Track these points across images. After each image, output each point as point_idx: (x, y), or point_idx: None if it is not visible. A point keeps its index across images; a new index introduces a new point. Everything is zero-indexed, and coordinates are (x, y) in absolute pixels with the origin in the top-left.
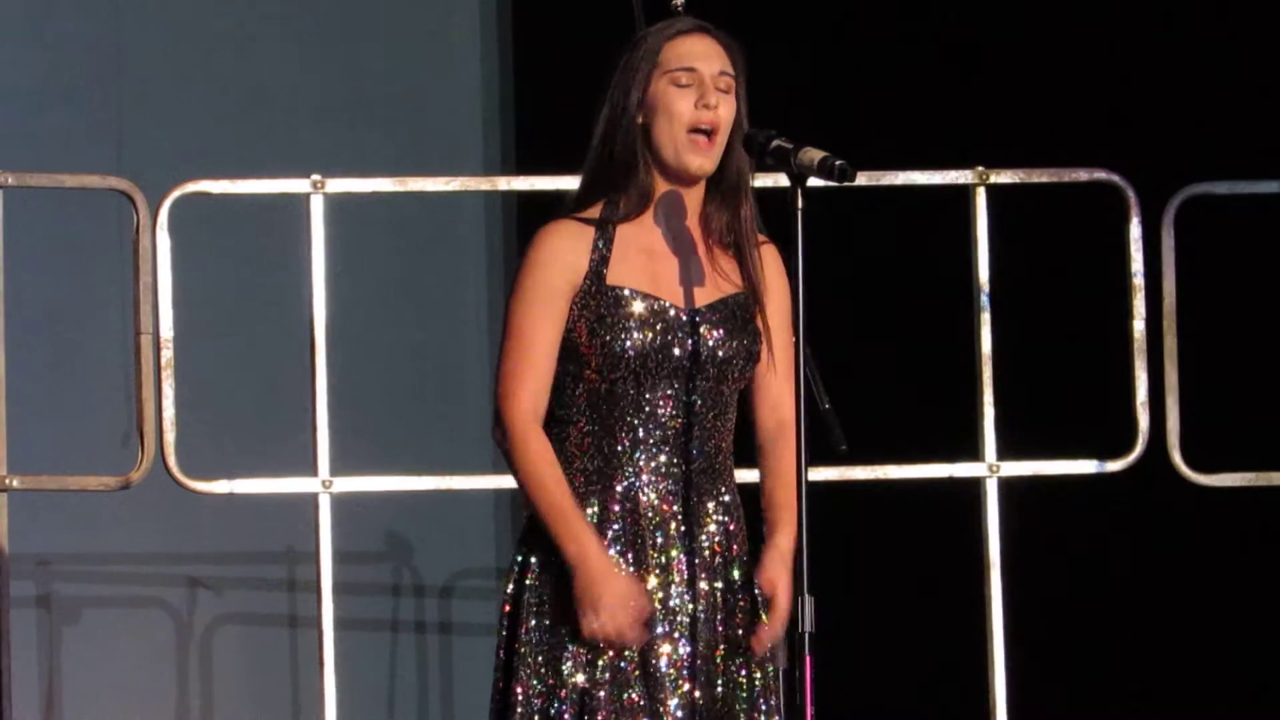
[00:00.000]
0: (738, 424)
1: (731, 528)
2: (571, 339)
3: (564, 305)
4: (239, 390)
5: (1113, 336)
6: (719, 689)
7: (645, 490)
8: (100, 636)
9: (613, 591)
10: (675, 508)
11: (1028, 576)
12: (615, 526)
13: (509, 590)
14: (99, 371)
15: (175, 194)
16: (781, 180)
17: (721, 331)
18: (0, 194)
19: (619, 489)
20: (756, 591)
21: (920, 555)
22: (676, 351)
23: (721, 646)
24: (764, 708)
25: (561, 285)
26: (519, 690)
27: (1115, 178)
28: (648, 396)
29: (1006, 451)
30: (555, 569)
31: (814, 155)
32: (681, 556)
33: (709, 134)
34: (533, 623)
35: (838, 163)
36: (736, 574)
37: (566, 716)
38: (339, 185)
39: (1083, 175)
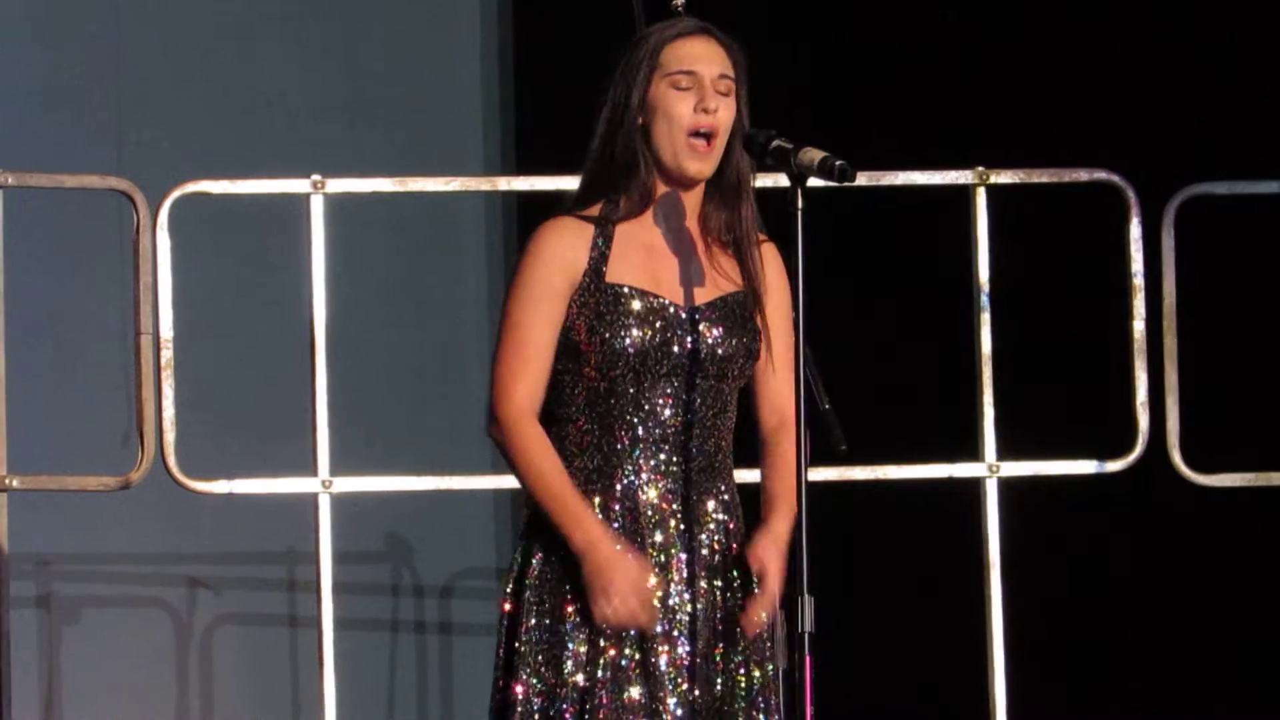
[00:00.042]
0: (738, 423)
1: (731, 526)
2: (571, 337)
3: (562, 302)
4: (239, 390)
5: (1113, 336)
6: (718, 688)
7: (645, 489)
8: (100, 636)
9: (623, 576)
10: (675, 506)
11: (1028, 576)
12: (615, 525)
13: (509, 589)
14: (99, 371)
15: (175, 194)
16: (781, 180)
17: (721, 329)
18: (0, 194)
19: (618, 487)
20: (757, 590)
21: (920, 555)
22: (676, 349)
23: (721, 645)
24: (763, 706)
25: (560, 282)
26: (519, 689)
27: (1115, 178)
28: (647, 395)
29: (1006, 451)
30: (556, 568)
31: (814, 155)
32: (681, 555)
33: (708, 138)
34: (533, 622)
35: (838, 163)
36: (736, 573)
37: (567, 716)
38: (339, 185)
39: (1083, 175)
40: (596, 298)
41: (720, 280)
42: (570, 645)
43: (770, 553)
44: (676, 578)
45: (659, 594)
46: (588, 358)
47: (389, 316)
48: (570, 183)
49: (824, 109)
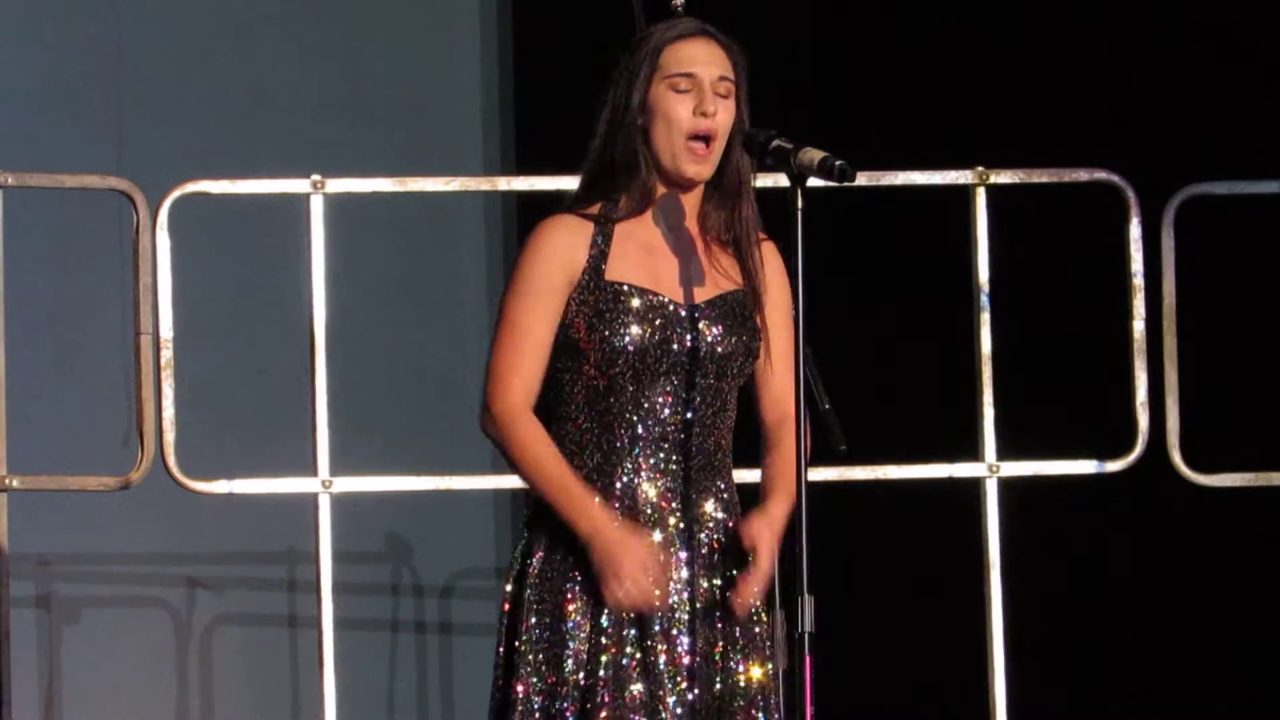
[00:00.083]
0: (737, 423)
1: (730, 525)
2: (570, 335)
3: (560, 300)
4: (239, 390)
5: (1113, 336)
6: (718, 686)
7: (644, 487)
8: (100, 636)
9: (631, 558)
10: (674, 505)
11: (1028, 576)
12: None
13: (509, 588)
14: (99, 371)
15: (175, 194)
16: (781, 180)
17: (720, 328)
18: (0, 194)
19: (618, 486)
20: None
21: (920, 555)
22: (675, 347)
23: (721, 645)
24: (763, 706)
25: (558, 279)
26: (520, 688)
27: (1115, 178)
28: (646, 393)
29: (1006, 451)
30: (556, 566)
31: (814, 155)
32: (680, 554)
33: (706, 140)
34: (533, 620)
35: (838, 163)
36: (735, 572)
37: (568, 715)
38: (339, 185)
39: (1083, 175)
40: (596, 295)
41: (720, 279)
42: (571, 644)
43: (764, 532)
44: (675, 576)
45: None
46: (587, 355)
47: (389, 316)
48: (570, 183)
49: (824, 109)
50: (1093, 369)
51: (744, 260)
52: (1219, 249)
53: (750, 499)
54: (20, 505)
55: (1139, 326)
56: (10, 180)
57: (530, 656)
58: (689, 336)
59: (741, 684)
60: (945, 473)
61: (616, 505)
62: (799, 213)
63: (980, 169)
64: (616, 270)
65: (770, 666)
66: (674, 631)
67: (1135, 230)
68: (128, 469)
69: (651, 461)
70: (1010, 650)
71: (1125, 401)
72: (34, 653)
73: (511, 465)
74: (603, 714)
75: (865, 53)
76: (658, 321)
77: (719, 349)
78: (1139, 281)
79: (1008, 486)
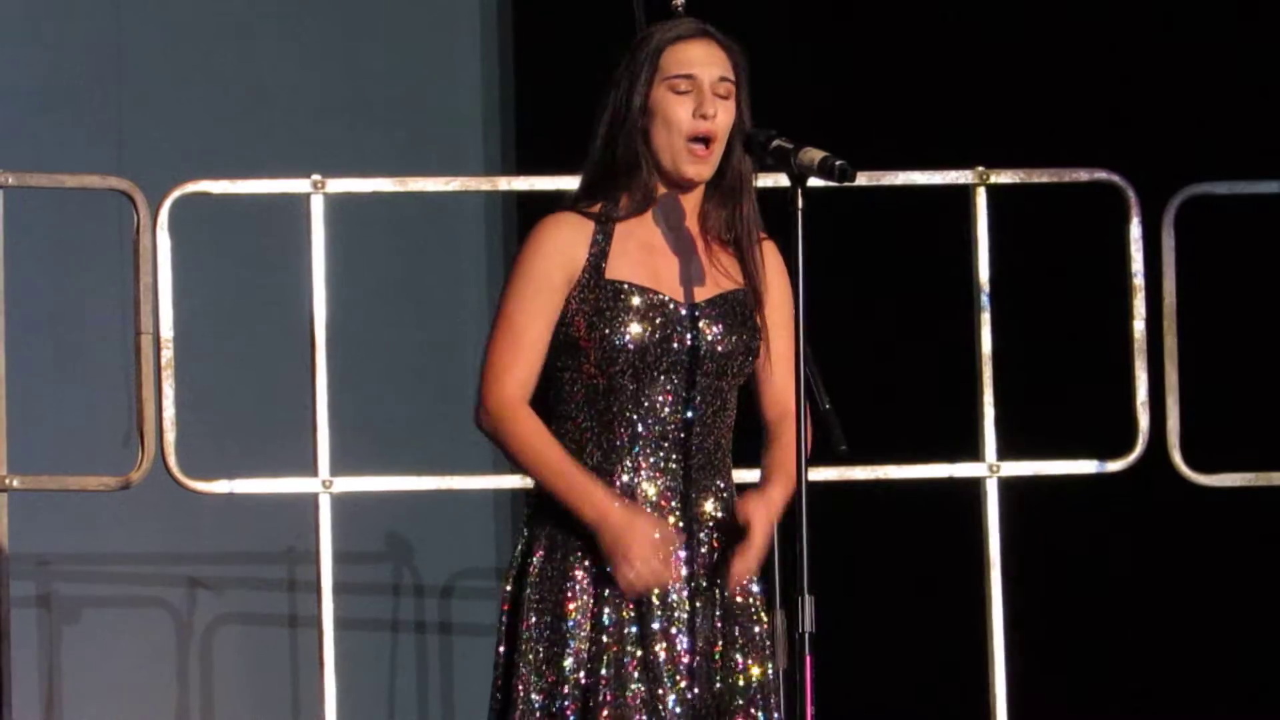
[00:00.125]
0: (737, 423)
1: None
2: (570, 333)
3: (559, 297)
4: (239, 390)
5: (1113, 336)
6: (717, 685)
7: (644, 486)
8: (100, 636)
9: (639, 539)
10: (674, 504)
11: (1028, 576)
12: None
13: (509, 587)
14: (99, 371)
15: (175, 194)
16: (782, 180)
17: (721, 327)
18: (0, 194)
19: (617, 485)
20: (757, 589)
21: (920, 555)
22: (675, 345)
23: (721, 644)
24: (763, 705)
25: (557, 277)
26: (520, 687)
27: (1115, 178)
28: (646, 392)
29: (1006, 451)
30: (556, 565)
31: (814, 155)
32: (680, 553)
33: (706, 142)
34: (533, 619)
35: (838, 163)
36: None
37: (569, 714)
38: (339, 185)
39: (1083, 175)
40: (596, 294)
41: (720, 278)
42: (571, 643)
43: (759, 511)
44: (675, 575)
45: (656, 591)
46: (587, 354)
47: (389, 316)
48: (570, 183)
49: (824, 109)
50: (1093, 369)
51: (744, 260)
52: (1219, 249)
53: None
54: (20, 505)
55: (1139, 326)
56: (10, 180)
57: (530, 656)
58: (689, 335)
59: (741, 683)
60: (945, 473)
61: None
62: (799, 213)
63: (980, 169)
64: (617, 269)
65: (770, 665)
66: (674, 630)
67: (1135, 230)
68: (128, 469)
69: (651, 460)
70: (1010, 650)
71: (1125, 401)
72: (34, 653)
73: (510, 459)
74: (604, 712)
75: (865, 53)
76: (658, 320)
77: (719, 348)
78: (1139, 281)
79: (1008, 486)
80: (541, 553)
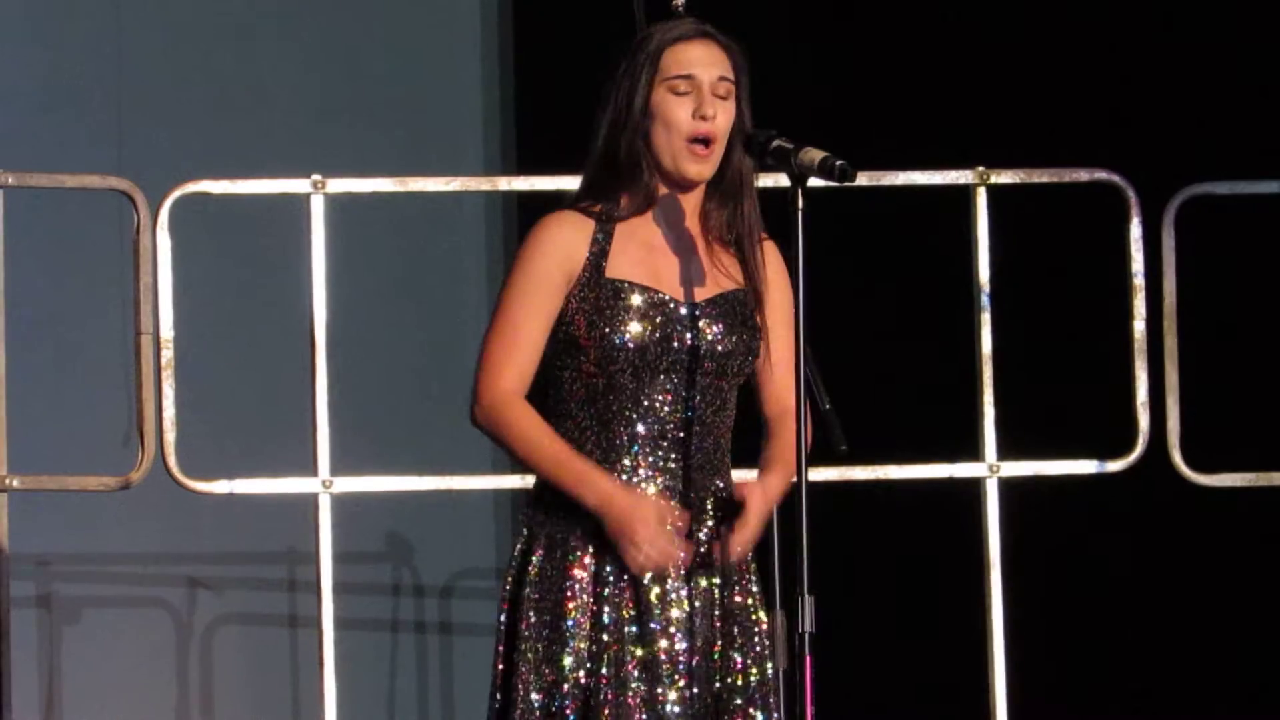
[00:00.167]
0: (737, 422)
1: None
2: (570, 332)
3: (558, 295)
4: (239, 390)
5: (1113, 336)
6: (716, 685)
7: (643, 485)
8: (100, 636)
9: (644, 521)
10: (673, 503)
11: (1028, 576)
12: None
13: (508, 587)
14: (99, 371)
15: (175, 194)
16: (782, 180)
17: (721, 326)
18: (0, 194)
19: None
20: (755, 588)
21: (920, 555)
22: (675, 345)
23: (720, 643)
24: (762, 705)
25: (557, 275)
26: (520, 686)
27: (1115, 178)
28: (646, 391)
29: (1006, 451)
30: (555, 564)
31: (814, 155)
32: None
33: (706, 142)
34: (533, 618)
35: (838, 163)
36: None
37: (569, 713)
38: (339, 185)
39: (1083, 175)
40: (596, 292)
41: (721, 278)
42: (571, 642)
43: (755, 491)
44: (674, 574)
45: (656, 590)
46: (587, 352)
47: (389, 316)
48: (570, 183)
49: (824, 109)
50: (1093, 369)
51: (745, 260)
52: (1219, 249)
53: None
54: (20, 505)
55: (1139, 326)
56: (10, 180)
57: (530, 655)
58: (689, 335)
59: (740, 682)
60: (945, 473)
61: None
62: (799, 213)
63: (980, 169)
64: (617, 268)
65: (769, 665)
66: (673, 629)
67: (1135, 230)
68: (128, 469)
69: (651, 459)
70: (1010, 650)
71: (1125, 401)
72: (34, 653)
73: (508, 452)
74: (605, 711)
75: (865, 53)
76: (658, 319)
77: (719, 348)
78: (1139, 281)
79: (1008, 486)
80: (541, 552)
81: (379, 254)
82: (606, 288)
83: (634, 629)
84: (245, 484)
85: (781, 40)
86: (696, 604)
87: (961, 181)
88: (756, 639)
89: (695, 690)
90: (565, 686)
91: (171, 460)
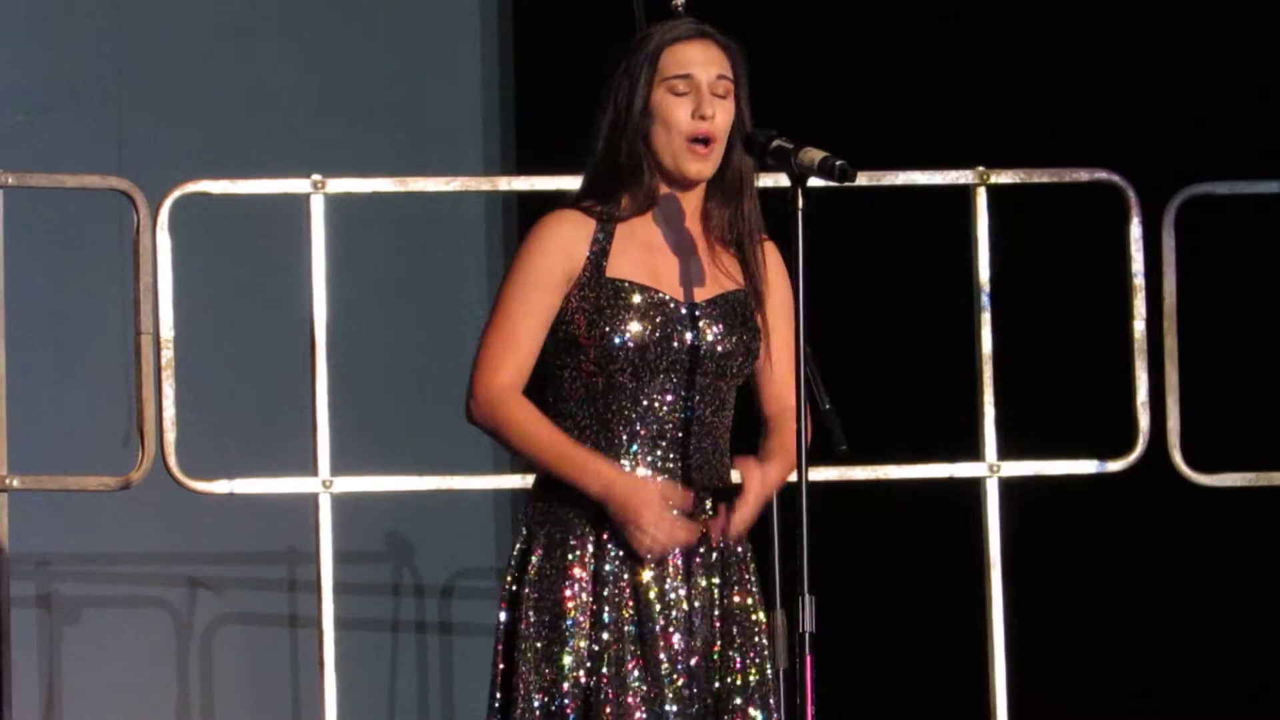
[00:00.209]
0: (736, 423)
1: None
2: (570, 331)
3: (557, 294)
4: (239, 390)
5: (1113, 336)
6: (716, 685)
7: None
8: (100, 636)
9: (648, 504)
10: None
11: (1028, 576)
12: (612, 521)
13: (508, 586)
14: (99, 371)
15: (175, 194)
16: (782, 180)
17: (721, 326)
18: (0, 194)
19: None
20: (755, 589)
21: (920, 555)
22: (675, 345)
23: (719, 643)
24: (762, 704)
25: (557, 273)
26: (520, 686)
27: (1115, 178)
28: (646, 390)
29: (1006, 451)
30: (555, 564)
31: (814, 155)
32: (678, 552)
33: (705, 142)
34: (533, 618)
35: (838, 163)
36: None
37: (569, 713)
38: (339, 185)
39: (1083, 175)
40: (596, 292)
41: (721, 278)
42: (570, 641)
43: (755, 475)
44: (674, 574)
45: (655, 590)
46: (587, 352)
47: (389, 316)
48: (570, 183)
49: (824, 109)
50: (1093, 369)
51: (746, 260)
52: (1219, 249)
53: None
54: (20, 505)
55: (1139, 326)
56: (10, 180)
57: (530, 654)
58: (689, 334)
59: (739, 682)
60: (945, 473)
61: None
62: (799, 213)
63: (980, 169)
64: (617, 267)
65: (770, 666)
66: (671, 629)
67: (1135, 230)
68: (128, 469)
69: (649, 459)
70: (1010, 650)
71: (1125, 401)
72: (34, 653)
73: (507, 446)
74: (606, 710)
75: (865, 53)
76: (658, 319)
77: (719, 348)
78: (1139, 281)
79: (1008, 486)
80: (540, 551)
81: (379, 254)
82: (607, 287)
83: (634, 629)
84: (245, 484)
85: (781, 40)
86: (696, 604)
87: (961, 181)
88: (756, 639)
89: (695, 690)
90: (565, 686)
91: (171, 460)
